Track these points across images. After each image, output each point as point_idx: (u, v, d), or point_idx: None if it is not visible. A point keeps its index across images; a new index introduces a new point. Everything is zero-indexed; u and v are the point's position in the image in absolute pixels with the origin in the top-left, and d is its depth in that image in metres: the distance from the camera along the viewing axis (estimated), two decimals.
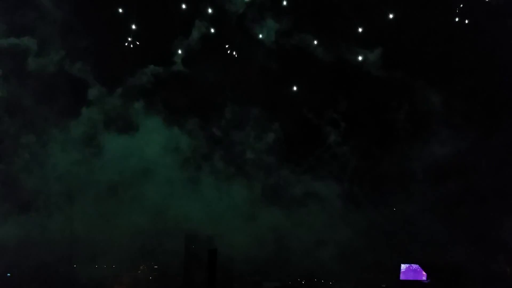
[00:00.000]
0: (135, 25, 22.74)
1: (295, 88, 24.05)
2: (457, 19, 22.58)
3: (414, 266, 9.81)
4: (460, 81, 22.19)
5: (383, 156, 22.90)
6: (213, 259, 11.93)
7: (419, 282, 9.98)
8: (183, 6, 23.11)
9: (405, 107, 23.29)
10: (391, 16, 22.55)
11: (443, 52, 22.37)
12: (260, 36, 23.39)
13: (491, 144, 22.15)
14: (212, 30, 23.45)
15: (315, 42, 23.42)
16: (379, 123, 23.41)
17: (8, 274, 18.74)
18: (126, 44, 22.70)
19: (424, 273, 9.24)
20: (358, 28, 23.17)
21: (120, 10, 22.42)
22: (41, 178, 20.09)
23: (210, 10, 23.20)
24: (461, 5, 22.68)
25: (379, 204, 22.40)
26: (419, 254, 20.66)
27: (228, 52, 24.02)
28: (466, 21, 22.47)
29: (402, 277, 9.85)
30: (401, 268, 9.73)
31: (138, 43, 22.75)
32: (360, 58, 23.21)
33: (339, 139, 23.40)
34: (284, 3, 23.31)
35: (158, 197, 20.09)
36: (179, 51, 23.32)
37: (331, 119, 23.76)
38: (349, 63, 23.28)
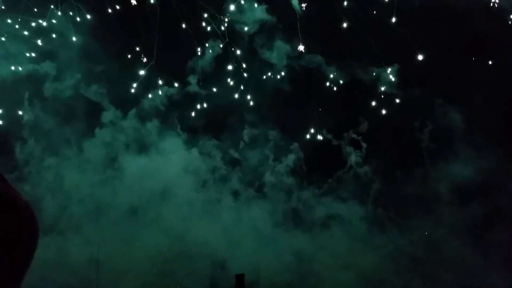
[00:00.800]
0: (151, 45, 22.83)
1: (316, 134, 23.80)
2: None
3: None
4: (481, 97, 21.73)
5: (406, 178, 22.30)
6: (241, 284, 11.37)
7: None
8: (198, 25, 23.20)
9: (426, 126, 22.86)
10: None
11: (461, 68, 22.04)
12: (272, 57, 23.34)
13: None
14: (224, 50, 23.49)
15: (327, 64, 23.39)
16: (400, 143, 22.91)
17: None
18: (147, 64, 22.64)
19: None
20: (371, 47, 23.02)
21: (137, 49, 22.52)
22: (63, 201, 19.89)
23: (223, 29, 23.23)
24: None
25: (404, 227, 21.61)
26: (451, 280, 19.81)
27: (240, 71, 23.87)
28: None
29: None
30: None
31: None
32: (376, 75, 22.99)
33: (360, 160, 22.92)
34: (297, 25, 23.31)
35: (178, 219, 19.66)
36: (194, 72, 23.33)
37: (351, 139, 23.35)
38: (364, 82, 23.07)
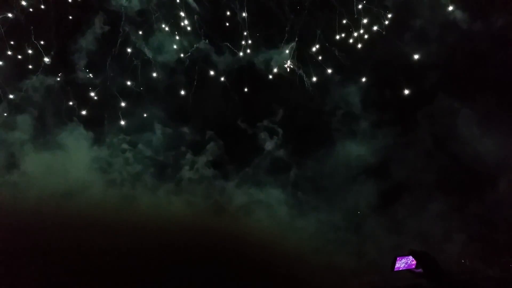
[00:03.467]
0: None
1: None
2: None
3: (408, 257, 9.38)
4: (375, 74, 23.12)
5: (321, 160, 23.01)
6: None
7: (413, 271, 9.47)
8: None
9: (331, 107, 23.70)
10: None
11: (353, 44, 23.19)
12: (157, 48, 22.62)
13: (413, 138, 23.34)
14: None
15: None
16: (313, 127, 23.60)
17: None
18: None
19: (414, 262, 8.80)
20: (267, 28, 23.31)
21: None
22: None
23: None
24: None
25: (323, 207, 22.23)
26: (374, 256, 20.57)
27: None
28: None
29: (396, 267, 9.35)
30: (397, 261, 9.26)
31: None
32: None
33: (276, 146, 23.23)
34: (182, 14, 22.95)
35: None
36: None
37: (266, 127, 23.57)
38: (259, 69, 23.25)
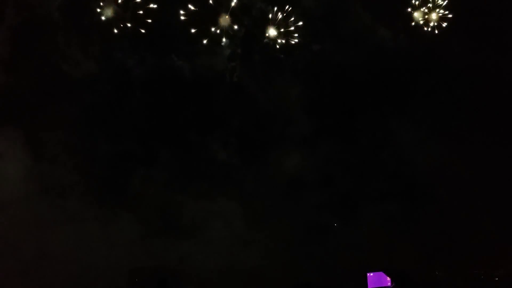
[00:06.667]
0: None
1: None
2: None
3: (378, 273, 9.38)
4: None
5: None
6: None
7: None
8: None
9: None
10: None
11: None
12: None
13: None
14: None
15: None
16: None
17: None
18: None
19: (388, 278, 8.84)
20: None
21: None
22: None
23: None
24: None
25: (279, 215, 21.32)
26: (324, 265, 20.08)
27: None
28: None
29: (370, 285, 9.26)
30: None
31: None
32: None
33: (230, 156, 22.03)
34: None
35: None
36: None
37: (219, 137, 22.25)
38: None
